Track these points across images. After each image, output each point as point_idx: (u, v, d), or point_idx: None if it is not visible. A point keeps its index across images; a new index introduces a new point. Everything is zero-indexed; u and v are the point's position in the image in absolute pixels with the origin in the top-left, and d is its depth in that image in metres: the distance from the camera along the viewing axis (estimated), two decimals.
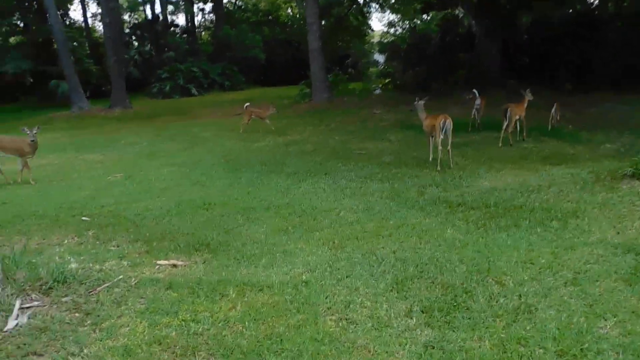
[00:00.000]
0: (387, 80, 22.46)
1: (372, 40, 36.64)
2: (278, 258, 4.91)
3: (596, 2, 22.57)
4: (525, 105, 10.81)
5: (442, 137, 8.53)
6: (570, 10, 20.96)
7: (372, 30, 46.76)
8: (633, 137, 10.63)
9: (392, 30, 33.07)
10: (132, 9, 37.70)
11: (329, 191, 7.32)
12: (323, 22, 23.43)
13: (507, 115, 10.28)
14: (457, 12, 20.94)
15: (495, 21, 18.07)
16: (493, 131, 11.39)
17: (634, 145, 9.92)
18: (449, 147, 8.66)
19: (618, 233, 5.16)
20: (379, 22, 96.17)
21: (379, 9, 27.98)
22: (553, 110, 13.02)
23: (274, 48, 36.99)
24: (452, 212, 6.12)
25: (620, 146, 9.89)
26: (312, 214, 6.25)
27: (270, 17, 40.10)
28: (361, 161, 9.41)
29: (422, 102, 9.39)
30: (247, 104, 14.56)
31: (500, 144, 10.30)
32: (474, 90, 12.45)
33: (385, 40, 26.87)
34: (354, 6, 21.74)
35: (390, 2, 23.61)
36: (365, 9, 28.11)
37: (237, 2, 42.03)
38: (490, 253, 4.72)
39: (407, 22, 29.88)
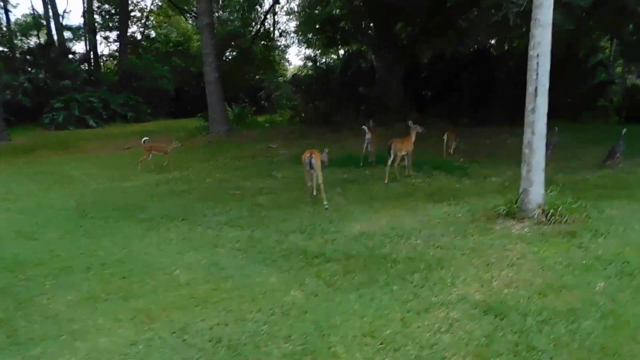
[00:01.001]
0: (292, 114, 21.88)
1: (287, 74, 36.51)
2: (61, 342, 3.76)
3: (492, 41, 23.62)
4: (413, 139, 10.40)
5: (312, 173, 7.91)
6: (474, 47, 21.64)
7: (290, 63, 46.88)
8: (518, 170, 10.49)
9: (309, 64, 33.03)
10: (24, 32, 35.03)
11: (176, 242, 6.25)
12: (228, 53, 22.75)
13: (391, 151, 9.78)
14: (358, 46, 20.94)
15: (395, 56, 18.09)
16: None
17: (517, 178, 9.71)
18: (320, 184, 8.02)
19: (482, 286, 4.53)
20: (296, 56, 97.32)
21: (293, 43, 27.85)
22: (445, 138, 12.95)
23: (185, 79, 35.63)
24: (306, 265, 5.27)
25: (505, 180, 9.68)
26: (140, 275, 5.14)
27: (180, 48, 38.80)
28: (232, 202, 8.43)
29: None
30: (146, 138, 13.06)
31: (386, 181, 9.74)
32: (364, 126, 11.98)
33: (296, 74, 26.47)
34: (256, 38, 21.06)
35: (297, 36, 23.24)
36: (271, 42, 27.80)
37: (145, 32, 40.38)
38: (329, 324, 3.87)
39: (324, 57, 30.02)
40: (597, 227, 5.92)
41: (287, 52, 51.54)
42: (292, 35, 53.03)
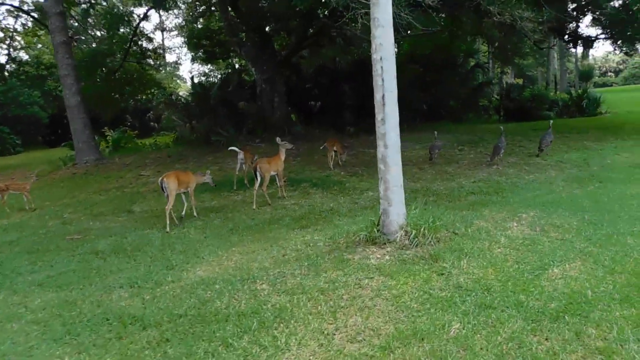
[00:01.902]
0: (175, 135, 20.36)
1: (181, 92, 34.56)
2: None
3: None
4: (283, 157, 9.55)
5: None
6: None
7: (185, 81, 44.86)
8: None
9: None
10: None
11: None
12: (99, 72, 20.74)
13: (258, 173, 8.84)
14: (238, 60, 19.96)
15: (275, 68, 17.30)
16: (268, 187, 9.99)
17: None
18: (167, 208, 7.17)
19: (321, 345, 3.68)
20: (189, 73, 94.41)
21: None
22: (330, 151, 12.37)
23: (63, 104, 32.45)
24: (114, 338, 4.12)
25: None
26: None
27: (55, 70, 35.40)
28: (64, 252, 7.01)
29: None
30: None
31: (254, 206, 8.77)
32: (232, 148, 10.97)
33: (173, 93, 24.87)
34: (127, 57, 19.34)
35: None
36: (157, 60, 26.03)
37: (14, 54, 36.51)
38: None
39: (218, 72, 28.49)
40: (462, 246, 5.33)
41: (178, 69, 49.57)
42: (177, 51, 50.90)
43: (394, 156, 5.43)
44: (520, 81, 44.42)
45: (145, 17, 21.36)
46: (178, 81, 47.58)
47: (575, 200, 7.23)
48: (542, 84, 33.99)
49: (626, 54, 17.48)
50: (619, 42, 14.55)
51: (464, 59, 24.00)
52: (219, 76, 23.20)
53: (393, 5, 7.20)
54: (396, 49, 22.66)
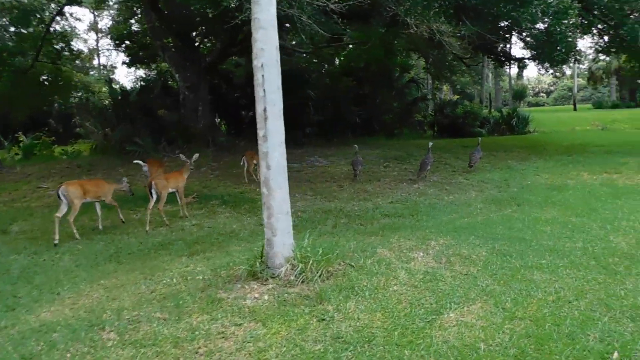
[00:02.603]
0: (95, 143, 18.84)
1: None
2: None
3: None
4: (186, 174, 8.65)
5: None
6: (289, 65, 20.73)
7: (119, 84, 42.62)
8: (312, 199, 9.36)
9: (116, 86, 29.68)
10: None
11: None
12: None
13: (152, 191, 7.89)
14: (161, 66, 18.86)
15: (200, 75, 16.33)
16: (174, 203, 9.05)
17: (307, 210, 8.50)
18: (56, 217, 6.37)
19: None
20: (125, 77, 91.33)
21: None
22: (244, 163, 11.65)
23: None
24: None
25: (292, 213, 8.32)
26: None
27: None
28: None
29: None
30: None
31: (147, 228, 7.80)
32: (137, 160, 9.94)
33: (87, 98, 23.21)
34: (38, 57, 17.75)
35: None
36: (61, 61, 24.23)
37: None
38: None
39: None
40: (355, 283, 4.65)
41: (112, 72, 47.22)
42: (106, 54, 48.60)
43: (278, 179, 4.70)
44: (458, 98, 45.67)
45: (61, 13, 19.75)
46: (116, 86, 45.34)
47: (490, 226, 6.78)
48: (476, 101, 34.73)
49: (553, 74, 17.80)
50: (544, 64, 14.64)
51: (399, 73, 23.92)
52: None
53: (288, 7, 6.57)
54: (327, 64, 22.26)
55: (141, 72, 34.26)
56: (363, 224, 7.57)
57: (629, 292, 4.33)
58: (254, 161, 11.90)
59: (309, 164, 13.38)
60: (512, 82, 68.77)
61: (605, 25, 13.38)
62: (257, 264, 4.89)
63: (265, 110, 4.55)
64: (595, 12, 13.38)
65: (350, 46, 20.88)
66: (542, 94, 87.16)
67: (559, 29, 11.09)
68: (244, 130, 19.30)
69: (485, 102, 34.18)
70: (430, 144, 11.40)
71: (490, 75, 42.95)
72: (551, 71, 16.77)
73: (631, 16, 12.27)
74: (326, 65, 20.78)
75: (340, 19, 8.88)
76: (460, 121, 22.94)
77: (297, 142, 16.77)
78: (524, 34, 12.45)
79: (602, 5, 12.63)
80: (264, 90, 4.52)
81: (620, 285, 4.49)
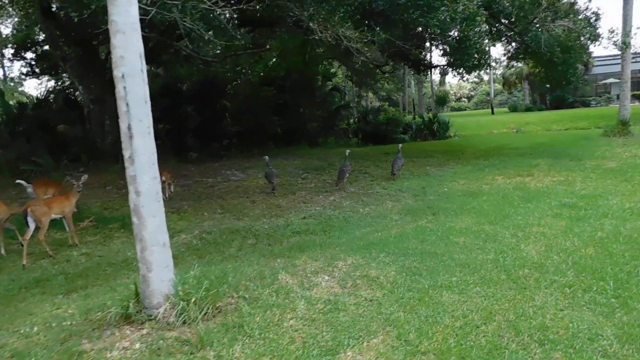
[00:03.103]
0: None
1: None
2: None
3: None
4: (74, 198, 7.71)
5: None
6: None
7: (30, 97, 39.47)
8: (223, 218, 8.68)
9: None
10: None
11: None
12: None
13: (29, 219, 6.90)
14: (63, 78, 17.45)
15: (104, 87, 15.13)
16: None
17: (213, 231, 7.81)
18: None
19: None
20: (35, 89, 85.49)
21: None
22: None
23: None
24: None
25: (194, 237, 7.63)
26: None
27: None
28: None
29: None
30: None
31: (24, 262, 6.80)
32: (19, 181, 8.83)
33: None
34: None
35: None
36: None
37: None
38: None
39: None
40: (245, 320, 4.07)
41: (20, 85, 43.82)
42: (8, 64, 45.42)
43: (151, 206, 4.04)
44: (385, 104, 46.43)
45: None
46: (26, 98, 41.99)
47: (403, 240, 6.42)
48: (398, 108, 35.32)
49: (467, 80, 18.18)
50: (459, 70, 14.82)
51: (322, 81, 23.70)
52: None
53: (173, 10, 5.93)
54: (246, 74, 21.60)
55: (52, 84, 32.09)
56: (271, 244, 7.01)
57: (537, 309, 4.05)
58: (162, 178, 11.09)
59: (225, 178, 12.66)
60: (435, 88, 71.23)
61: (512, 33, 13.74)
62: (131, 304, 4.17)
63: (129, 127, 3.89)
64: (503, 20, 13.70)
65: (271, 55, 20.41)
66: (464, 99, 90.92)
67: (469, 36, 11.14)
68: (159, 144, 18.21)
69: (408, 108, 34.81)
70: (348, 151, 11.15)
71: (412, 81, 43.99)
72: (467, 77, 17.15)
73: (535, 23, 12.61)
74: (245, 75, 20.10)
75: (241, 26, 8.30)
76: (383, 128, 23.02)
77: (214, 155, 15.99)
78: (438, 41, 12.47)
79: (508, 13, 12.93)
80: (127, 105, 3.87)
81: (529, 302, 4.21)
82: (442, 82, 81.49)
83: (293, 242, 6.96)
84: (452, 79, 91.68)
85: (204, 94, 16.49)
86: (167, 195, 10.85)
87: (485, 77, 64.68)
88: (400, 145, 12.37)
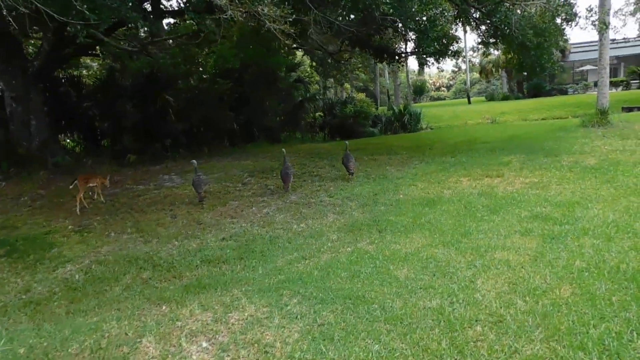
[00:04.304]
0: None
1: None
2: None
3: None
4: None
5: None
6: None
7: None
8: (122, 241, 7.14)
9: None
10: None
11: None
12: None
13: None
14: None
15: (27, 82, 13.40)
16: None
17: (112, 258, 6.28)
18: None
19: None
20: None
21: None
22: (75, 185, 9.25)
23: None
24: None
25: (80, 268, 6.10)
26: None
27: None
28: None
29: None
30: None
31: None
32: None
33: None
34: None
35: None
36: None
37: None
38: None
39: None
40: None
41: None
42: None
43: None
44: (362, 95, 44.85)
45: None
46: None
47: (330, 274, 5.00)
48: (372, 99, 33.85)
49: (438, 68, 16.80)
50: (423, 57, 13.41)
51: (284, 73, 22.10)
52: None
53: None
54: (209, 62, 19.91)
55: None
56: (168, 279, 5.52)
57: None
58: (89, 184, 9.53)
59: (158, 185, 11.09)
60: (413, 77, 69.98)
61: (479, 14, 12.34)
62: None
63: None
64: (470, 0, 12.29)
65: (226, 45, 18.73)
66: (443, 88, 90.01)
67: (430, 17, 9.72)
68: (100, 144, 16.55)
69: (380, 99, 33.36)
70: (284, 150, 9.78)
71: (386, 71, 42.54)
72: (437, 65, 15.81)
73: (505, 2, 11.20)
74: (196, 67, 18.38)
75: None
76: (350, 121, 21.57)
77: (156, 157, 14.38)
78: (393, 23, 10.98)
79: None
80: None
81: None
82: (420, 71, 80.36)
83: (195, 276, 5.48)
84: (432, 68, 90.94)
85: (144, 89, 14.82)
86: (79, 209, 9.25)
87: (463, 66, 63.71)
88: (347, 142, 11.12)
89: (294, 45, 18.99)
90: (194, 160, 9.10)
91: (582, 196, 7.11)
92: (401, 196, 8.31)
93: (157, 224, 7.79)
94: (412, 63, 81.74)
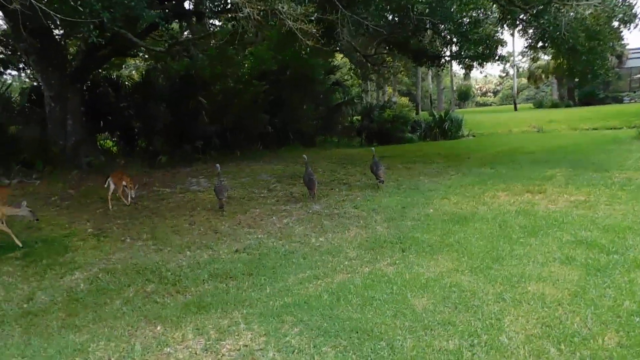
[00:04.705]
0: None
1: None
2: None
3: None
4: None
5: None
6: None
7: None
8: (135, 248, 6.91)
9: None
10: None
11: None
12: None
13: None
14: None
15: (64, 81, 13.58)
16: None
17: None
18: None
19: None
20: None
21: None
22: (109, 182, 9.24)
23: None
24: None
25: (87, 278, 5.87)
26: None
27: None
28: None
29: None
30: None
31: None
32: None
33: None
34: None
35: None
36: None
37: None
38: None
39: None
40: None
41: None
42: None
43: None
44: (405, 100, 43.96)
45: None
46: None
47: (341, 299, 4.55)
48: (412, 103, 33.04)
49: (482, 73, 16.06)
50: (464, 61, 12.74)
51: (323, 76, 21.72)
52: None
53: None
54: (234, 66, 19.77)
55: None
56: (171, 294, 5.20)
57: None
58: (123, 182, 9.48)
59: (185, 188, 10.91)
60: (459, 82, 68.25)
61: (527, 16, 11.54)
62: None
63: None
64: (516, 1, 11.51)
65: (262, 47, 18.54)
66: (489, 94, 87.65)
67: (465, 19, 9.09)
68: (135, 145, 16.65)
69: (421, 104, 32.53)
70: (305, 156, 9.38)
71: (430, 75, 41.53)
72: (481, 70, 15.06)
73: (555, 2, 10.40)
74: (233, 70, 18.24)
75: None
76: (389, 126, 20.95)
77: (187, 159, 14.29)
78: (432, 26, 10.39)
79: None
80: None
81: None
82: (466, 75, 78.47)
83: (199, 292, 5.13)
84: (477, 72, 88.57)
85: (180, 90, 14.78)
86: (127, 201, 9.39)
87: (511, 71, 61.66)
88: (373, 149, 10.78)
89: (331, 47, 18.57)
90: (217, 165, 8.83)
91: (634, 220, 6.34)
92: (431, 211, 7.73)
93: (173, 231, 7.54)
94: (458, 67, 79.89)
